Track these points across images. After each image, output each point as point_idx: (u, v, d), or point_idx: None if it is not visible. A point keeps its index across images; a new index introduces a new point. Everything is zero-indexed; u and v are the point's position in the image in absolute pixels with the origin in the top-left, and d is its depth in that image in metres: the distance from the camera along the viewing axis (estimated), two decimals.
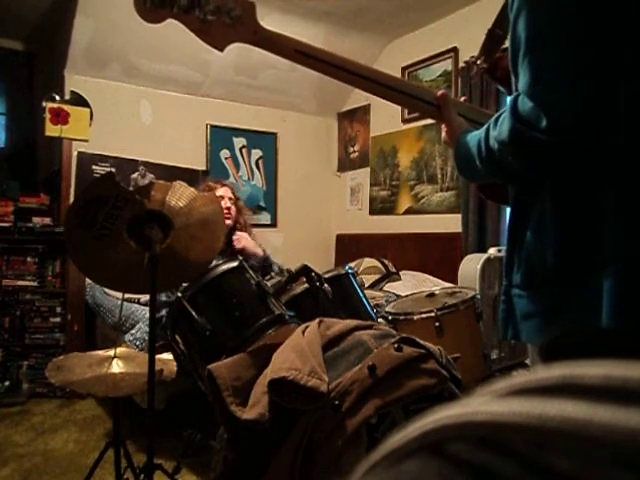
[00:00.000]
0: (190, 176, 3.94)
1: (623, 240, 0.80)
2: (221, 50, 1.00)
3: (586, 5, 0.80)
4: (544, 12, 0.82)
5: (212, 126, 4.30)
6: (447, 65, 3.88)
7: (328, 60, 1.08)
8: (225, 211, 2.44)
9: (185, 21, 0.96)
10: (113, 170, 3.71)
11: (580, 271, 0.85)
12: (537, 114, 0.81)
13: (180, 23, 0.97)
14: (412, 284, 3.39)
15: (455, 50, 3.81)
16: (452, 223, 3.71)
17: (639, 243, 0.80)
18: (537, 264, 0.90)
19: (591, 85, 0.81)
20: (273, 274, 2.37)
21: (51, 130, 3.49)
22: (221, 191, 2.57)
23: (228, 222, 2.48)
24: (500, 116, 0.89)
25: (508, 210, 1.02)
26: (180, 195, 1.57)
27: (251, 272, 1.55)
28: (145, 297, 2.64)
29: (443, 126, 1.13)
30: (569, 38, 0.81)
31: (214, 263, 1.61)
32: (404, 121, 4.20)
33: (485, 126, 0.94)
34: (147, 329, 2.17)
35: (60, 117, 3.52)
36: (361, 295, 1.80)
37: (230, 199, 2.61)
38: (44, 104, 3.49)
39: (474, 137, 0.98)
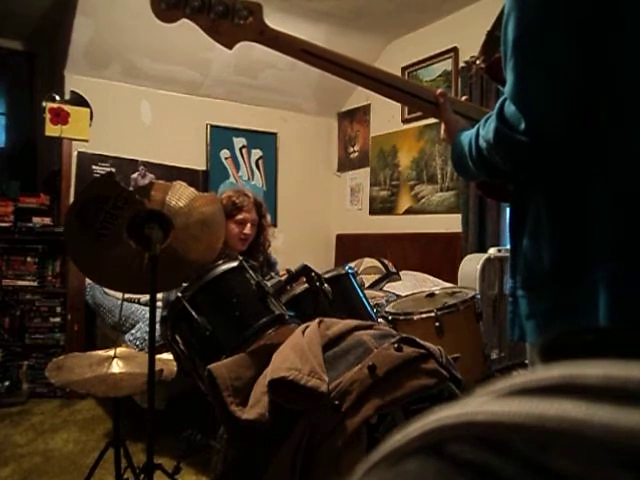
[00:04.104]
0: (190, 176, 3.95)
1: (618, 239, 0.81)
2: (230, 48, 1.05)
3: (569, 10, 0.81)
4: (527, 17, 0.84)
5: (212, 126, 4.30)
6: (447, 65, 3.88)
7: (332, 59, 1.11)
8: (242, 237, 2.29)
9: (196, 21, 1.02)
10: (113, 170, 3.72)
11: (576, 271, 0.85)
12: (517, 117, 0.83)
13: (192, 22, 1.03)
14: (412, 284, 3.39)
15: (455, 50, 3.81)
16: (452, 223, 3.71)
17: (634, 241, 0.80)
18: (535, 265, 0.91)
19: (570, 88, 0.83)
20: (273, 274, 2.37)
21: (51, 130, 3.49)
22: (246, 215, 2.30)
23: (240, 247, 2.30)
24: (490, 116, 0.91)
25: (508, 210, 1.03)
26: (180, 195, 1.57)
27: (251, 272, 1.55)
28: (145, 297, 2.64)
29: (442, 124, 1.15)
30: (549, 43, 0.83)
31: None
32: (404, 121, 4.20)
33: (477, 126, 0.96)
34: (147, 329, 2.17)
35: (60, 117, 3.52)
36: (361, 295, 1.80)
37: (253, 223, 2.33)
38: (44, 104, 3.50)
39: (467, 136, 1.00)
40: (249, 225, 2.31)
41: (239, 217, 2.30)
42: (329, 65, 1.11)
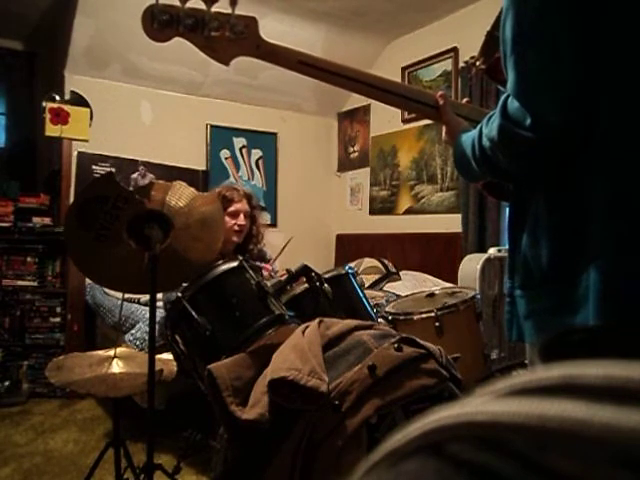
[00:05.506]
0: (190, 176, 3.94)
1: (616, 239, 0.81)
2: (226, 64, 1.04)
3: (569, 6, 0.81)
4: (527, 13, 0.84)
5: (212, 126, 4.30)
6: (447, 65, 3.88)
7: (329, 69, 1.11)
8: (237, 228, 2.33)
9: (191, 39, 1.00)
10: (113, 170, 3.72)
11: (575, 271, 0.85)
12: (522, 113, 0.83)
13: (187, 41, 1.00)
14: (412, 284, 3.39)
15: (455, 50, 3.80)
16: (452, 223, 3.71)
17: (632, 240, 0.80)
18: (534, 264, 0.91)
19: (573, 85, 0.83)
20: (273, 274, 2.37)
21: (51, 130, 3.49)
22: (238, 206, 2.36)
23: (236, 239, 2.35)
24: (493, 115, 0.91)
25: (508, 210, 1.03)
26: (180, 195, 1.57)
27: (251, 272, 1.55)
28: (145, 297, 2.64)
29: (444, 126, 1.15)
30: (551, 38, 0.83)
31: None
32: (404, 121, 4.20)
33: (479, 125, 0.95)
34: (147, 329, 2.17)
35: (60, 117, 3.51)
36: (361, 295, 1.80)
37: (246, 214, 2.39)
38: (44, 104, 3.49)
39: (469, 136, 1.00)
40: (242, 216, 2.36)
41: (231, 209, 2.33)
42: (327, 75, 1.10)
